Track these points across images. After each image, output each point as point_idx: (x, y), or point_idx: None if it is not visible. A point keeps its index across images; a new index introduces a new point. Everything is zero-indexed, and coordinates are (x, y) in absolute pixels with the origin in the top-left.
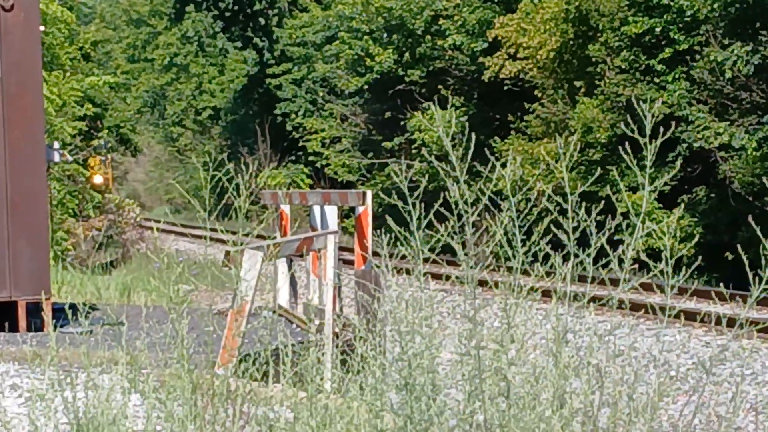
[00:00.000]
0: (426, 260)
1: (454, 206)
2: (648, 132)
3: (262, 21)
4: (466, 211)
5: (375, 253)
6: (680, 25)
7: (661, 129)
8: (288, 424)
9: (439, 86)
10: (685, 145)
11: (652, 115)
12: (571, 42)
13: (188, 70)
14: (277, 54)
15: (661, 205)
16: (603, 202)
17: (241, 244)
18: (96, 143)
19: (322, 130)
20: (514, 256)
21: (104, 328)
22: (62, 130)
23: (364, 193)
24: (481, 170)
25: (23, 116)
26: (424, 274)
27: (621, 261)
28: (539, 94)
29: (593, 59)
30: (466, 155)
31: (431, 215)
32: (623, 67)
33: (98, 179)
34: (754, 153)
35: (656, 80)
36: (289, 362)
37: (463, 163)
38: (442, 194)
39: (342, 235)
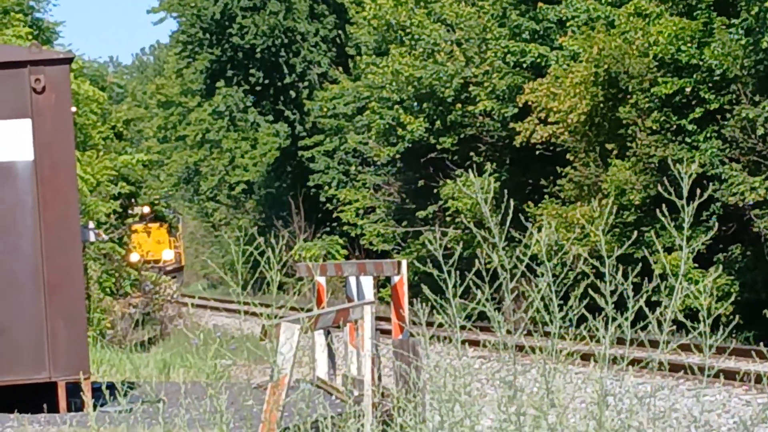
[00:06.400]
0: (463, 327)
1: (485, 273)
2: (686, 193)
3: (293, 94)
4: (505, 277)
5: (412, 322)
6: (710, 85)
7: (698, 191)
8: None
9: (471, 153)
10: (719, 204)
11: (688, 176)
12: (602, 105)
13: (221, 145)
14: (309, 126)
15: (696, 265)
16: (639, 264)
17: (276, 317)
18: (136, 217)
19: (356, 201)
20: (552, 321)
21: (143, 406)
22: (97, 209)
23: (399, 263)
24: (516, 235)
25: (58, 197)
26: (462, 342)
27: (660, 323)
28: (571, 158)
29: (624, 121)
30: (504, 221)
31: (467, 282)
32: (654, 128)
33: (168, 254)
34: None
35: (688, 140)
36: None
37: (501, 230)
38: (476, 261)
39: (378, 305)
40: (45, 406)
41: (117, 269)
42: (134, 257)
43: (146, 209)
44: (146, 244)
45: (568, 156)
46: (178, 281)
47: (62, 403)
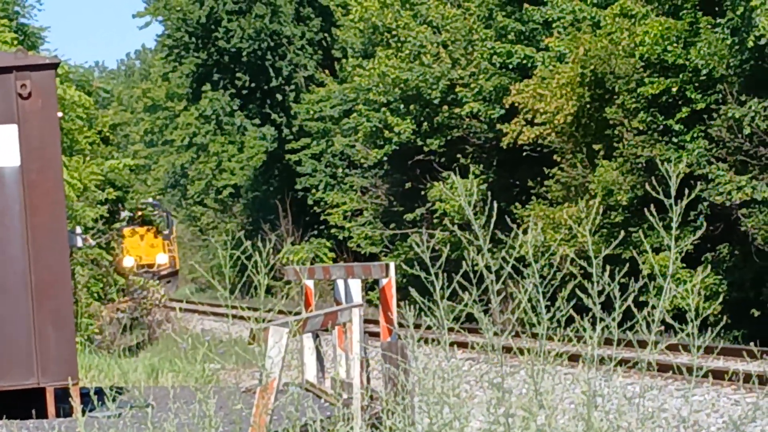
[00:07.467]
0: (451, 329)
1: (472, 274)
2: (673, 193)
3: (279, 97)
4: (491, 279)
5: (400, 325)
6: (696, 85)
7: (686, 191)
8: None
9: (458, 155)
10: (706, 204)
11: (676, 176)
12: (588, 105)
13: (207, 149)
14: (296, 129)
15: (684, 265)
16: (627, 264)
17: (264, 320)
18: (120, 224)
19: (344, 203)
20: (539, 323)
21: (132, 411)
22: (84, 214)
23: (387, 265)
24: (503, 237)
25: (44, 202)
26: (450, 344)
27: (648, 323)
28: (558, 159)
29: (611, 122)
30: (489, 223)
31: (454, 284)
32: (641, 128)
33: (162, 258)
34: None
35: (675, 140)
36: None
37: (486, 231)
38: (464, 263)
39: (367, 307)
40: (33, 411)
41: (105, 275)
42: (128, 261)
43: (125, 213)
44: (140, 249)
45: (555, 157)
46: (172, 285)
47: (51, 409)
